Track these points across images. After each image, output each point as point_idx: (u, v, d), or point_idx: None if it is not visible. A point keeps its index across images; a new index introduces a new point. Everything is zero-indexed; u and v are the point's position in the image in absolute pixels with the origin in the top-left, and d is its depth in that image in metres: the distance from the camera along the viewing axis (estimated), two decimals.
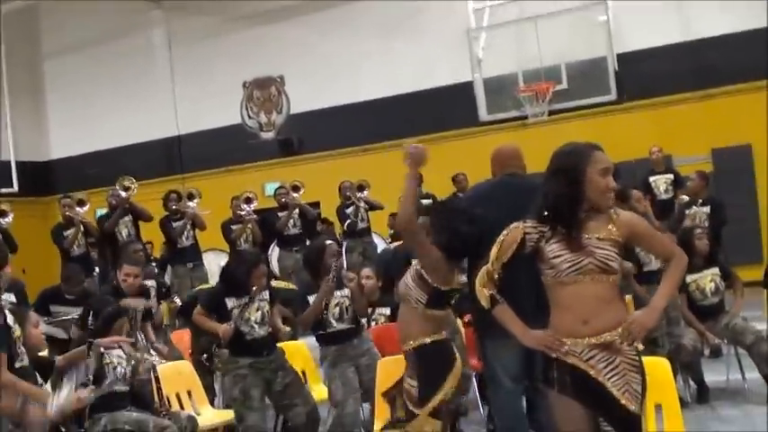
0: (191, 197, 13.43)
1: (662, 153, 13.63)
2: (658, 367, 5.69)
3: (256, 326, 7.37)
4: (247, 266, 7.42)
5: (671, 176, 13.45)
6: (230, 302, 7.33)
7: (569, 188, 4.22)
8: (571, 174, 4.23)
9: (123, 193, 12.93)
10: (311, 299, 7.50)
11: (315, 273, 7.71)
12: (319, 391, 7.95)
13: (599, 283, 4.17)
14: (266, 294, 7.54)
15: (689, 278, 8.49)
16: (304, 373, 8.32)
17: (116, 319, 7.01)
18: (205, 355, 8.50)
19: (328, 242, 7.87)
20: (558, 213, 4.25)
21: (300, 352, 8.31)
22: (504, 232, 4.43)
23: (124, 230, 12.63)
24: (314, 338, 7.78)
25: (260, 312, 7.41)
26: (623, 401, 4.13)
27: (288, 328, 8.17)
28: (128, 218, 12.89)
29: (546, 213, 4.30)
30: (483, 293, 4.45)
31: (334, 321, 7.51)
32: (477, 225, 6.03)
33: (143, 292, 8.97)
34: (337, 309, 7.58)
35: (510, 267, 4.42)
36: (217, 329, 7.28)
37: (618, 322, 4.18)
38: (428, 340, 5.54)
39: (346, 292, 7.66)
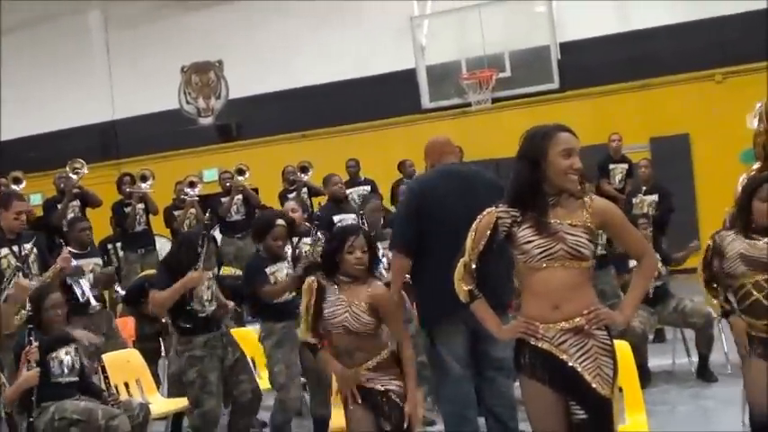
0: (143, 179, 13.26)
1: (621, 141, 13.74)
2: (620, 351, 5.66)
3: (207, 303, 7.19)
4: (194, 247, 7.19)
5: (626, 166, 13.57)
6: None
7: (531, 172, 4.18)
8: (532, 156, 4.19)
9: (74, 176, 12.69)
10: (267, 270, 7.43)
11: (264, 247, 7.61)
12: (266, 379, 7.80)
13: (570, 269, 4.13)
14: (212, 273, 7.43)
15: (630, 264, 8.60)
16: (253, 360, 8.12)
17: None
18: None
19: (278, 221, 7.76)
20: (523, 198, 4.21)
21: (248, 339, 8.14)
22: (477, 220, 4.36)
23: (71, 215, 12.26)
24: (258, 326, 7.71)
25: (210, 290, 7.25)
26: (594, 385, 4.10)
27: (231, 303, 7.97)
28: (76, 202, 12.66)
29: (514, 198, 4.25)
30: (461, 288, 4.40)
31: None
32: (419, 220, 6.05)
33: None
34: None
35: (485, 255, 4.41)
36: (184, 284, 6.99)
37: (587, 306, 4.15)
38: None
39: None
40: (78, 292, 8.49)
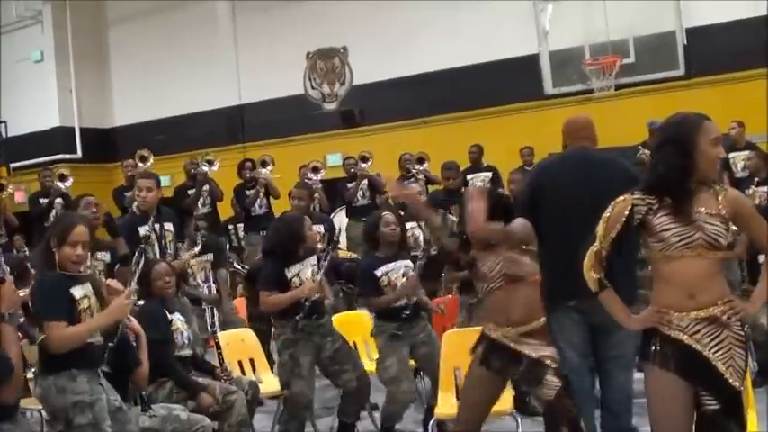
0: (264, 164, 13.62)
1: (742, 129, 13.39)
2: None
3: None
4: (291, 225, 7.41)
5: (747, 153, 13.17)
6: (289, 273, 7.28)
7: (680, 159, 4.19)
8: (682, 144, 4.20)
9: (205, 168, 13.20)
10: (378, 272, 7.53)
11: (373, 244, 7.74)
12: (369, 364, 7.96)
13: (706, 258, 4.14)
14: (314, 260, 7.47)
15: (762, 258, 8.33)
16: (355, 344, 8.26)
17: None
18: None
19: (384, 213, 7.90)
20: (668, 184, 4.21)
21: (358, 322, 8.26)
22: (609, 208, 4.36)
23: (201, 210, 12.78)
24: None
25: (310, 273, 7.35)
26: (727, 376, 4.11)
27: (330, 299, 8.12)
28: (206, 188, 13.12)
29: (655, 185, 4.26)
30: (591, 277, 4.39)
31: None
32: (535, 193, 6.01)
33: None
34: (405, 280, 7.57)
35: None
36: (300, 293, 7.18)
37: (722, 297, 4.16)
38: None
39: (409, 262, 7.69)
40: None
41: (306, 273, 7.32)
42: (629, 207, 4.27)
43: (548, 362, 5.32)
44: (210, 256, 9.38)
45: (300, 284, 7.23)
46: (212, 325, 8.26)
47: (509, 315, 5.41)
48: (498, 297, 5.48)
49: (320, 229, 9.31)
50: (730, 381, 4.10)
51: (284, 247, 7.36)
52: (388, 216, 7.80)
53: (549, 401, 5.34)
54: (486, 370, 5.55)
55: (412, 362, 7.76)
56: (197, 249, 9.05)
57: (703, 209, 4.17)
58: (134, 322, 6.22)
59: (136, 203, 8.50)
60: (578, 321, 5.97)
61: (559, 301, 5.78)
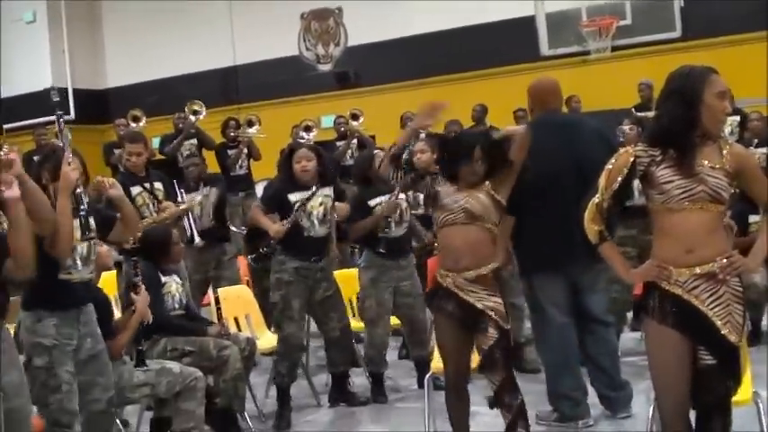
0: (250, 124, 13.53)
1: (729, 93, 13.29)
2: None
3: (317, 222, 7.28)
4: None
5: (737, 118, 13.12)
6: (293, 197, 7.24)
7: (685, 110, 4.16)
8: (687, 96, 4.17)
9: (192, 117, 13.15)
10: (372, 202, 7.69)
11: (365, 182, 7.72)
12: (356, 322, 8.12)
13: (707, 212, 4.13)
14: (329, 191, 7.46)
15: (752, 219, 8.29)
16: (350, 301, 8.36)
17: None
18: (252, 256, 8.40)
19: (377, 150, 7.92)
20: (672, 136, 4.19)
21: (351, 281, 8.25)
22: (612, 160, 4.34)
23: (186, 152, 12.59)
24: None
25: (322, 207, 7.31)
26: (724, 332, 4.11)
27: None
28: (193, 141, 13.01)
29: (659, 136, 4.24)
30: (591, 228, 4.37)
31: (393, 225, 7.62)
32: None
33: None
34: (398, 213, 7.63)
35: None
36: (269, 227, 7.21)
37: (721, 252, 4.14)
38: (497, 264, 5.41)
39: (402, 195, 7.69)
40: (186, 225, 8.70)
41: (315, 203, 7.29)
42: (632, 159, 4.26)
43: (490, 313, 5.20)
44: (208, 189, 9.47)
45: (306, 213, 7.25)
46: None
47: (458, 259, 5.24)
48: (451, 234, 5.28)
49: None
50: (727, 336, 4.11)
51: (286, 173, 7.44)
52: (381, 153, 7.76)
53: (484, 353, 5.24)
54: (446, 318, 5.37)
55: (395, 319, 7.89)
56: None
57: (707, 162, 4.15)
58: (141, 298, 6.24)
59: (125, 165, 8.49)
60: (560, 281, 6.02)
61: (542, 261, 5.78)
